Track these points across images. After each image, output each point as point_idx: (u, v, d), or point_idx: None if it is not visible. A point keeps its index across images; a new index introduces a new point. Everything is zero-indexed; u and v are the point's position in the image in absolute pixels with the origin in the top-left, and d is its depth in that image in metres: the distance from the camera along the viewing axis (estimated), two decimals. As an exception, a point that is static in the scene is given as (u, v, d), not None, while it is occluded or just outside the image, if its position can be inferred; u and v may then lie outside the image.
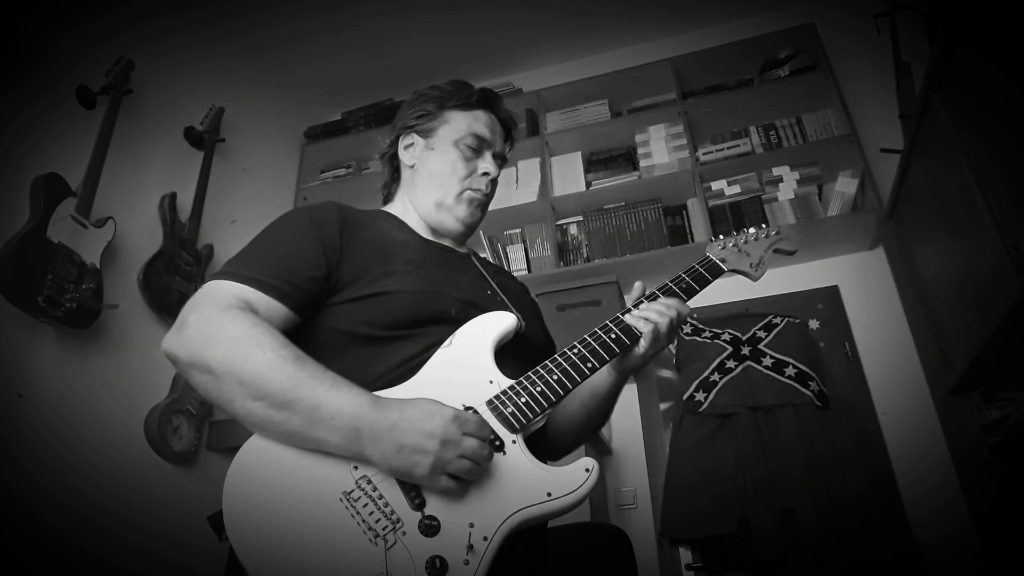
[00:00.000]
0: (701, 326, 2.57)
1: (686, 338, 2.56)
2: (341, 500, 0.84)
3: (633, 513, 2.47)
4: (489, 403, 0.95)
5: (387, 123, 3.31)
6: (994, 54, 1.53)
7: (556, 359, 1.02)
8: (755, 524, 2.07)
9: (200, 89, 2.72)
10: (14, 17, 1.89)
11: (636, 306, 1.10)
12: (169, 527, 2.10)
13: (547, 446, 1.09)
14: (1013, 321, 1.50)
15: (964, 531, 2.06)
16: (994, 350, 1.65)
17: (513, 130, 1.30)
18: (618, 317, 1.09)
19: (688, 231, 2.72)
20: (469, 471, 0.84)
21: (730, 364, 2.41)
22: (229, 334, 0.89)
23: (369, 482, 0.86)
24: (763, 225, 1.31)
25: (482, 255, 2.83)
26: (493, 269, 1.28)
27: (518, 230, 2.94)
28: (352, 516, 0.83)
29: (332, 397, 0.85)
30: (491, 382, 0.98)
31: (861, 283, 2.58)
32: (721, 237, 1.27)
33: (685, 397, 2.42)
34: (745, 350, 2.43)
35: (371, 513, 0.83)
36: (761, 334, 2.47)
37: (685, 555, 2.30)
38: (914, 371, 2.34)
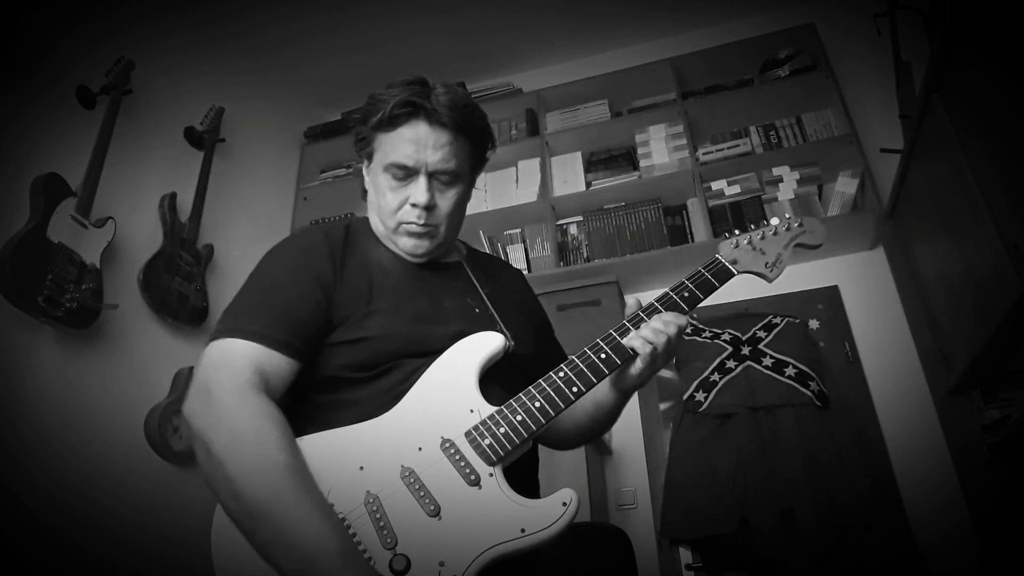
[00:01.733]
0: (701, 326, 2.57)
1: (686, 338, 2.56)
2: None
3: (633, 513, 2.47)
4: (468, 434, 0.93)
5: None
6: (994, 54, 1.53)
7: (540, 384, 0.98)
8: (755, 524, 2.07)
9: (200, 89, 2.72)
10: (14, 17, 1.89)
11: (631, 322, 1.03)
12: (169, 527, 2.10)
13: (547, 439, 1.09)
14: (1013, 321, 1.50)
15: (964, 531, 2.06)
16: (994, 350, 1.65)
17: (467, 128, 1.11)
18: (611, 335, 1.02)
19: (688, 231, 2.72)
20: None
21: (730, 364, 2.41)
22: (235, 423, 0.88)
23: (345, 523, 0.85)
24: (787, 216, 1.20)
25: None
26: (485, 273, 1.23)
27: (518, 230, 2.94)
28: None
29: (300, 526, 0.81)
30: (472, 411, 0.96)
31: (861, 283, 2.58)
32: (737, 233, 1.16)
33: (685, 397, 2.42)
34: (745, 350, 2.43)
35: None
36: (761, 334, 2.47)
37: (685, 555, 2.30)
38: (914, 371, 2.34)
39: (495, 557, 0.84)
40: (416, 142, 1.07)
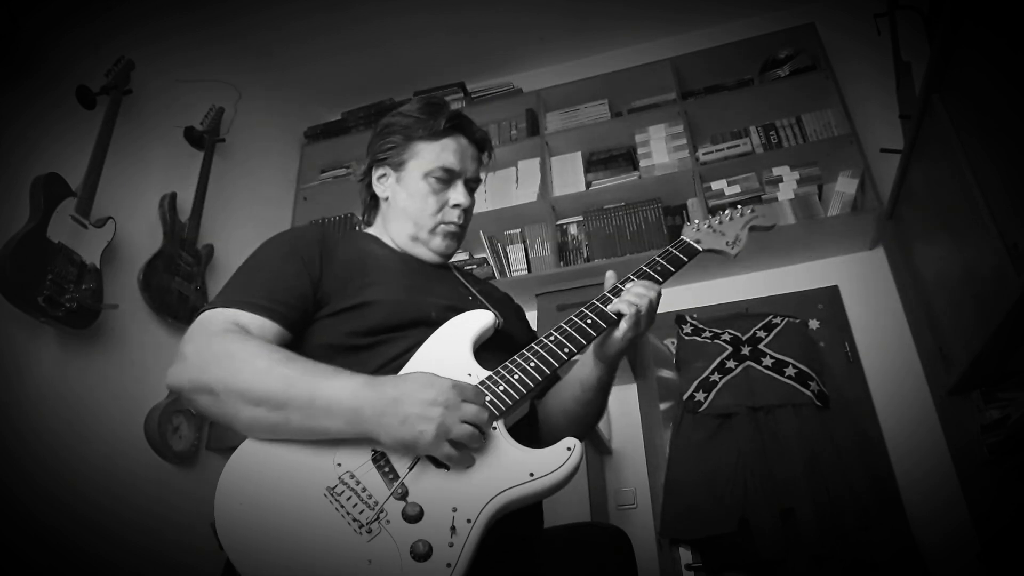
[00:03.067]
0: (701, 326, 2.57)
1: (686, 338, 2.56)
2: (325, 495, 0.87)
3: (633, 513, 2.47)
4: None
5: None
6: (994, 54, 1.53)
7: (532, 347, 1.03)
8: (755, 524, 2.07)
9: (200, 89, 2.72)
10: (14, 17, 1.89)
11: (611, 292, 1.09)
12: (169, 527, 2.10)
13: (541, 443, 1.10)
14: (1013, 321, 1.50)
15: (964, 531, 2.06)
16: (994, 350, 1.65)
17: (487, 149, 1.30)
18: (593, 303, 1.08)
19: (688, 231, 2.72)
20: (471, 436, 0.86)
21: (730, 364, 2.41)
22: (222, 353, 0.93)
23: (352, 476, 0.88)
24: (738, 206, 1.31)
25: (481, 255, 2.86)
26: (474, 280, 1.31)
27: (518, 230, 2.94)
28: (336, 510, 0.85)
29: (327, 387, 0.88)
30: (469, 375, 0.99)
31: (861, 283, 2.58)
32: (696, 220, 1.27)
33: (685, 397, 2.42)
34: (745, 350, 2.43)
35: (355, 505, 0.86)
36: (761, 334, 2.47)
37: (685, 555, 2.30)
38: (914, 371, 2.34)
39: (507, 502, 0.86)
40: (459, 152, 1.22)
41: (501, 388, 0.97)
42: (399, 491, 0.87)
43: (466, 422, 0.86)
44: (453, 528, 0.84)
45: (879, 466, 2.25)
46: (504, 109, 3.13)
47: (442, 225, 1.21)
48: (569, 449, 0.90)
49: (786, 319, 2.49)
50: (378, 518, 0.85)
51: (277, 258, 1.10)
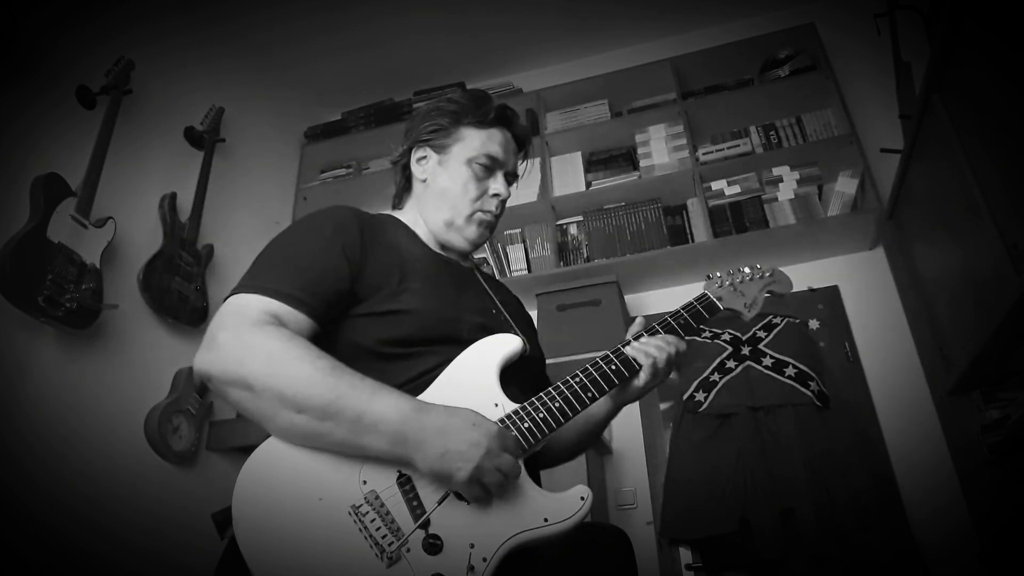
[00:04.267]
0: (701, 326, 2.56)
1: (685, 338, 2.56)
2: (350, 513, 0.87)
3: (633, 513, 2.46)
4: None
5: (387, 123, 3.35)
6: (994, 54, 1.53)
7: (559, 386, 1.05)
8: (755, 524, 2.07)
9: (200, 89, 2.72)
10: (14, 17, 1.89)
11: (636, 339, 1.13)
12: (169, 527, 2.10)
13: (535, 458, 1.11)
14: (1013, 321, 1.50)
15: (964, 531, 2.05)
16: (994, 350, 1.65)
17: (528, 145, 1.30)
18: (619, 349, 1.12)
19: (688, 231, 2.72)
20: (500, 485, 0.89)
21: (730, 364, 2.41)
22: (265, 349, 0.89)
23: (377, 498, 0.89)
24: (757, 266, 1.34)
25: (481, 256, 2.85)
26: (494, 284, 1.31)
27: (518, 230, 2.94)
28: (360, 530, 0.86)
29: (375, 404, 0.88)
30: (496, 404, 1.00)
31: (861, 283, 2.58)
32: (718, 275, 1.31)
33: (685, 397, 2.42)
34: (745, 350, 2.43)
35: (378, 529, 0.86)
36: (761, 334, 2.46)
37: (685, 555, 2.30)
38: (914, 371, 2.33)
39: (520, 543, 0.89)
40: (504, 144, 1.23)
41: (526, 426, 0.98)
42: (421, 522, 0.88)
43: (499, 470, 0.88)
44: (472, 567, 0.85)
45: (879, 466, 2.25)
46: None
47: (479, 213, 1.20)
48: (583, 499, 0.94)
49: (786, 319, 2.48)
50: (400, 546, 0.86)
51: (318, 243, 1.04)
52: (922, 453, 2.23)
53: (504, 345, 1.07)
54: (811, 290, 2.60)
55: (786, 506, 2.09)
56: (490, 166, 1.20)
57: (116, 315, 2.09)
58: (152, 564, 2.00)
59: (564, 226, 2.89)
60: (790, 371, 2.33)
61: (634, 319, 1.20)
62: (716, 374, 2.41)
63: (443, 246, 1.23)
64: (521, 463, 0.94)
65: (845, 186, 2.54)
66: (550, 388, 1.05)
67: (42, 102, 2.03)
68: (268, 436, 0.92)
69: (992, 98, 1.56)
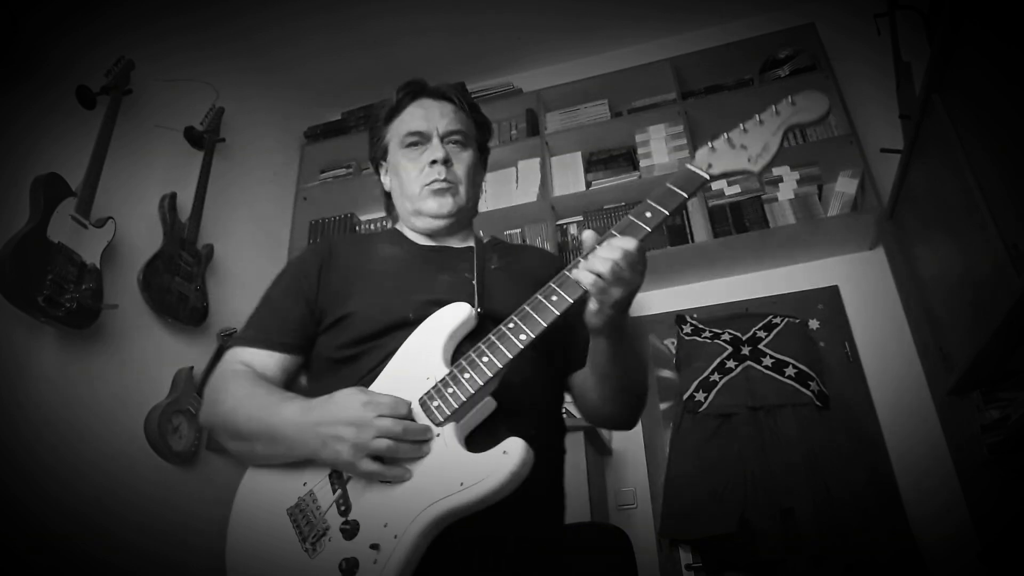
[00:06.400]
0: (701, 326, 2.57)
1: (686, 338, 2.56)
2: (288, 514, 0.94)
3: (633, 513, 2.47)
4: (420, 400, 0.94)
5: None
6: (994, 54, 1.53)
7: (489, 337, 0.94)
8: (755, 524, 2.08)
9: (200, 89, 2.72)
10: (14, 17, 1.89)
11: (586, 257, 0.93)
12: (169, 527, 2.10)
13: (595, 420, 1.10)
14: (1013, 321, 1.50)
15: (964, 531, 2.06)
16: (994, 350, 1.65)
17: (455, 97, 1.26)
18: (562, 273, 0.95)
19: (688, 231, 2.72)
20: (388, 449, 0.87)
21: (730, 364, 2.41)
22: (210, 394, 1.08)
23: (311, 494, 0.94)
24: (773, 106, 1.00)
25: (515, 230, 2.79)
26: (502, 254, 1.25)
27: (518, 230, 2.94)
28: (293, 529, 0.93)
29: (275, 418, 0.97)
30: (427, 378, 0.95)
31: (861, 283, 2.58)
32: (709, 142, 1.00)
33: (685, 397, 2.42)
34: (745, 350, 2.43)
35: (307, 524, 0.92)
36: (761, 334, 2.47)
37: (685, 555, 2.30)
38: (914, 371, 2.33)
39: (437, 514, 0.84)
40: (425, 113, 1.22)
41: (450, 390, 0.92)
42: (340, 507, 0.90)
43: (385, 436, 0.87)
44: (375, 545, 0.85)
45: (879, 466, 2.25)
46: (504, 109, 3.13)
47: (425, 188, 1.19)
48: (505, 452, 0.84)
49: (786, 319, 2.49)
50: (321, 536, 0.89)
51: (279, 289, 1.18)
52: (922, 453, 2.23)
53: (448, 316, 1.01)
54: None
55: (786, 506, 2.09)
56: (417, 141, 1.21)
57: (116, 315, 2.09)
58: (152, 564, 2.00)
59: (564, 226, 2.89)
60: (790, 371, 2.33)
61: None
62: (716, 374, 2.41)
63: (431, 235, 1.24)
64: (449, 430, 0.90)
65: (845, 186, 2.54)
66: (480, 341, 0.95)
67: (42, 102, 2.03)
68: None
69: (992, 98, 1.56)
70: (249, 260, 2.83)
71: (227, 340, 2.50)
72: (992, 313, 1.57)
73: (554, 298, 0.93)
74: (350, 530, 0.88)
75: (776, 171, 2.68)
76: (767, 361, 2.38)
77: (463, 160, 1.22)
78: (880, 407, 2.36)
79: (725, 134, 0.99)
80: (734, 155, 0.97)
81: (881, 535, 2.06)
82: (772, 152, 0.96)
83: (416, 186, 1.20)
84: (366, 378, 1.01)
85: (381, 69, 3.24)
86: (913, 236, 2.22)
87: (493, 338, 0.94)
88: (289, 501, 0.94)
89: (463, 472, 0.85)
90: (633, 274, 0.91)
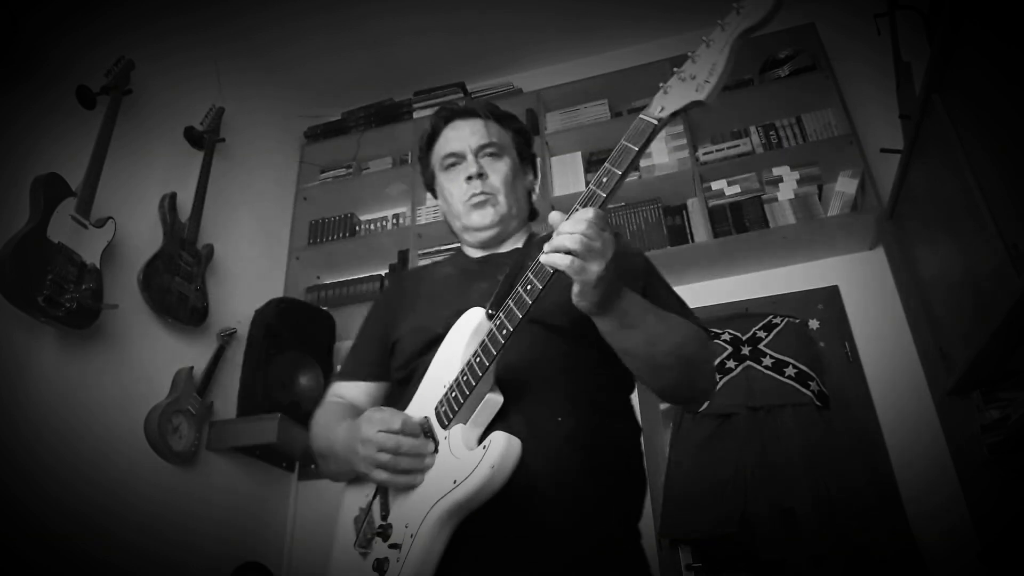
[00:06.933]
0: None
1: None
2: (353, 523, 1.07)
3: (633, 513, 2.46)
4: (435, 408, 1.02)
5: (387, 123, 3.35)
6: (994, 54, 1.53)
7: (483, 339, 0.96)
8: (755, 524, 2.07)
9: (200, 89, 2.72)
10: (14, 17, 1.89)
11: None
12: (168, 527, 2.10)
13: (654, 390, 1.06)
14: (1013, 321, 1.50)
15: (964, 531, 2.05)
16: (994, 350, 1.65)
17: (482, 113, 1.31)
18: (536, 259, 0.92)
19: (688, 231, 2.72)
20: (389, 461, 0.95)
21: (730, 364, 2.41)
22: (311, 422, 1.22)
23: (369, 504, 1.04)
24: (719, 22, 0.94)
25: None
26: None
27: (518, 230, 2.94)
28: (355, 535, 1.04)
29: (332, 438, 1.10)
30: (444, 386, 1.01)
31: (861, 283, 2.58)
32: (662, 84, 0.93)
33: (685, 397, 2.41)
34: (745, 350, 2.43)
35: (362, 529, 1.03)
36: (761, 334, 2.46)
37: (685, 555, 2.30)
38: (914, 371, 2.33)
39: (441, 512, 0.90)
40: (457, 134, 1.28)
41: (453, 395, 0.98)
42: (382, 513, 1.01)
43: (384, 450, 0.95)
44: (395, 544, 0.94)
45: (879, 466, 2.24)
46: (504, 109, 3.12)
47: (466, 203, 1.25)
48: (484, 447, 0.88)
49: (786, 319, 2.48)
50: (371, 540, 1.00)
51: (366, 325, 1.33)
52: (922, 453, 2.23)
53: (463, 323, 1.05)
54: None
55: (786, 506, 2.09)
56: (455, 162, 1.27)
57: (116, 315, 2.09)
58: (152, 564, 2.00)
59: (564, 226, 2.88)
60: (790, 371, 2.33)
61: None
62: (716, 374, 2.41)
63: (483, 246, 1.29)
64: (456, 432, 0.95)
65: (845, 186, 2.54)
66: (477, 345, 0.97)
67: (42, 102, 2.03)
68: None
69: (992, 98, 1.56)
70: (249, 260, 2.84)
71: (227, 340, 2.51)
72: (992, 313, 1.57)
73: (528, 287, 0.92)
74: (384, 533, 0.97)
75: (776, 171, 2.68)
76: (767, 361, 2.38)
77: (498, 170, 1.26)
78: (880, 407, 2.36)
79: (675, 70, 0.92)
80: (684, 89, 0.90)
81: (881, 535, 2.05)
82: (719, 72, 0.89)
83: (459, 203, 1.26)
84: (411, 395, 1.10)
85: (381, 69, 3.24)
86: (913, 236, 2.22)
87: (485, 339, 0.96)
88: (355, 511, 1.07)
89: (457, 471, 0.90)
90: (604, 245, 0.87)
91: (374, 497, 1.04)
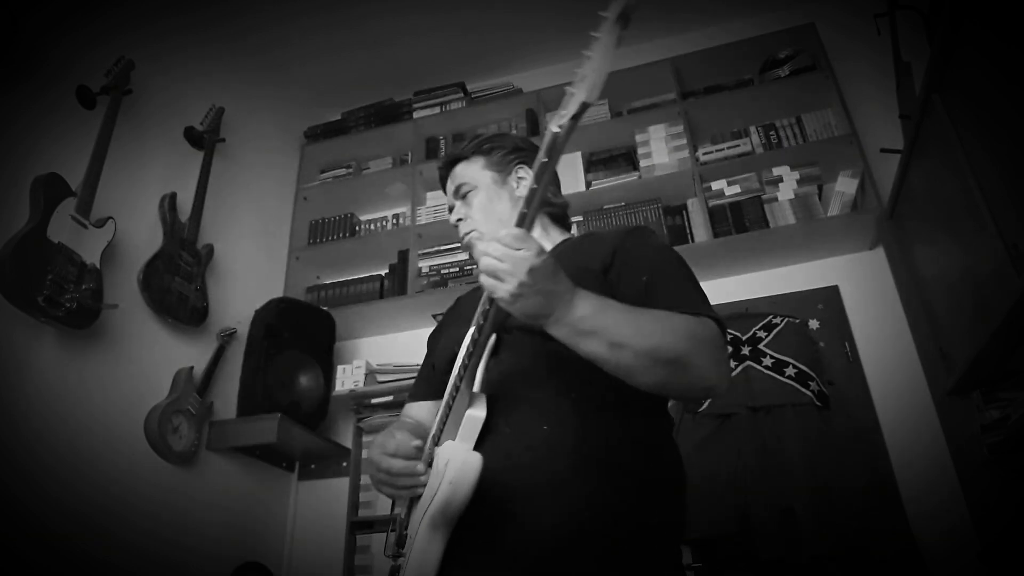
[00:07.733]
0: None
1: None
2: (386, 534, 1.20)
3: (633, 513, 2.46)
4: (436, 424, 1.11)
5: (387, 123, 3.36)
6: (994, 54, 1.53)
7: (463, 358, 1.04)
8: (755, 524, 2.07)
9: (200, 89, 2.72)
10: (14, 17, 1.89)
11: None
12: (168, 527, 2.10)
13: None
14: (1013, 321, 1.50)
15: (964, 531, 2.05)
16: (994, 350, 1.65)
17: (460, 149, 1.40)
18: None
19: (688, 231, 2.72)
20: (386, 480, 1.03)
21: (730, 364, 2.41)
22: None
23: (400, 519, 1.15)
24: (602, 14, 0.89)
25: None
26: (567, 251, 1.25)
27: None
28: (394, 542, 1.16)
29: (377, 455, 1.13)
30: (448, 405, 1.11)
31: (861, 283, 2.58)
32: (568, 88, 0.90)
33: (685, 397, 2.42)
34: (745, 350, 2.43)
35: (388, 538, 1.17)
36: (761, 334, 2.46)
37: (685, 555, 2.30)
38: (914, 371, 2.33)
39: (428, 522, 0.97)
40: (445, 187, 1.40)
41: (441, 413, 1.08)
42: (404, 523, 1.12)
43: (380, 470, 1.03)
44: (403, 553, 1.06)
45: (879, 466, 2.24)
46: (504, 109, 3.13)
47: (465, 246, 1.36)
48: (446, 464, 0.94)
49: (786, 319, 2.48)
50: (397, 547, 1.13)
51: (428, 347, 1.41)
52: (922, 453, 2.23)
53: (462, 345, 1.03)
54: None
55: (786, 506, 2.09)
56: (451, 208, 1.37)
57: (116, 315, 2.09)
58: (152, 564, 2.00)
59: (564, 226, 2.88)
60: (790, 371, 2.33)
61: None
62: (724, 367, 2.40)
63: None
64: (446, 446, 1.01)
65: (845, 186, 2.54)
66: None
67: (42, 102, 2.03)
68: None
69: (992, 98, 1.56)
70: (249, 260, 2.84)
71: (227, 340, 2.51)
72: (992, 313, 1.57)
73: (486, 307, 0.95)
74: (400, 541, 1.11)
75: (776, 171, 2.68)
76: (767, 361, 2.38)
77: (472, 204, 1.32)
78: (880, 407, 2.36)
79: (576, 71, 0.87)
80: (579, 90, 0.88)
81: (881, 535, 2.05)
82: (595, 63, 0.87)
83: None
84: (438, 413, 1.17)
85: (381, 69, 3.24)
86: (913, 236, 2.22)
87: (464, 357, 1.03)
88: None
89: (435, 483, 0.97)
90: (515, 264, 0.85)
91: (405, 508, 1.14)
